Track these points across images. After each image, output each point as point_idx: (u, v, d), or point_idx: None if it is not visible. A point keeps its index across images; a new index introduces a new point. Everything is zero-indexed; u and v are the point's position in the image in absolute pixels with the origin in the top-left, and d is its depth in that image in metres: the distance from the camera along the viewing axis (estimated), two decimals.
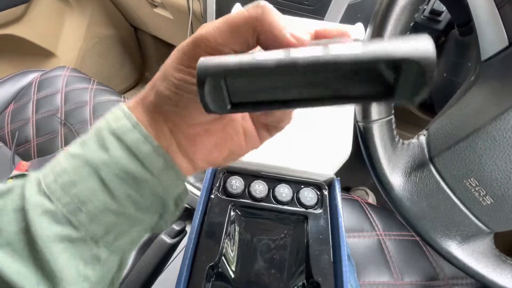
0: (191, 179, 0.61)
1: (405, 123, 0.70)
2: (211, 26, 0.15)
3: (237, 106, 0.13)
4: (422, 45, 0.10)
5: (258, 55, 0.12)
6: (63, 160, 0.17)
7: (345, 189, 1.03)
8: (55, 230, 0.16)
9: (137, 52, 1.31)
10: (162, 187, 0.18)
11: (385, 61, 0.11)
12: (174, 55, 0.17)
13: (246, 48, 0.16)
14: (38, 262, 0.16)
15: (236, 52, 0.16)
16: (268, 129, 0.22)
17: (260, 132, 0.22)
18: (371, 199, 0.98)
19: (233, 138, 0.20)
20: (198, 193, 0.54)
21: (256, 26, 0.14)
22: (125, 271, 0.44)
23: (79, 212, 0.17)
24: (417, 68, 0.11)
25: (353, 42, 0.11)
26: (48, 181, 0.17)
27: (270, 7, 0.14)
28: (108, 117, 0.18)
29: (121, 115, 0.18)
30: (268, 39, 0.15)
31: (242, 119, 0.21)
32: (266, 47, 0.15)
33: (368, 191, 0.99)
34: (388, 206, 0.52)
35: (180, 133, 0.18)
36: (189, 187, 0.56)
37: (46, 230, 0.16)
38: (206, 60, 0.12)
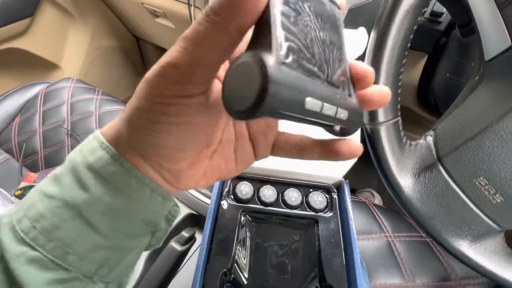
0: None
1: (409, 123, 0.70)
2: (175, 49, 0.13)
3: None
4: None
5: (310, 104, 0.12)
6: (38, 201, 0.16)
7: (351, 191, 1.02)
8: (45, 277, 0.15)
9: (139, 61, 1.32)
10: (151, 213, 0.18)
11: None
12: (140, 91, 0.15)
13: (230, 46, 0.13)
14: None
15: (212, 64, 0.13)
16: (274, 147, 0.20)
17: (260, 148, 0.20)
18: (377, 200, 0.98)
19: (221, 166, 0.19)
20: (205, 199, 0.54)
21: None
22: (136, 279, 0.44)
23: (67, 254, 0.15)
24: None
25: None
26: (24, 227, 0.15)
27: None
28: (83, 148, 0.16)
29: (97, 145, 0.16)
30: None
31: (236, 140, 0.19)
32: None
33: (374, 192, 0.99)
34: (395, 207, 0.51)
35: (163, 170, 0.17)
36: (196, 194, 0.56)
37: (35, 279, 0.15)
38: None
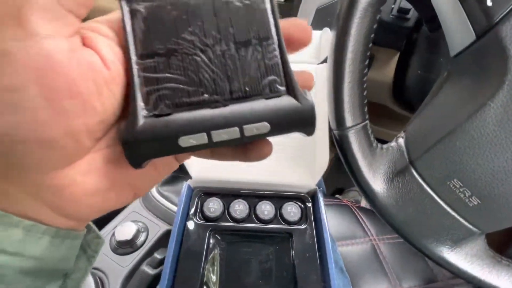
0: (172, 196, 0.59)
1: (388, 120, 0.69)
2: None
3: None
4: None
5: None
6: None
7: (338, 191, 1.02)
8: None
9: None
10: (35, 262, 0.13)
11: None
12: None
13: None
14: None
15: None
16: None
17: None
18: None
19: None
20: None
21: None
22: None
23: None
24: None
25: None
26: None
27: None
28: None
29: None
30: None
31: None
32: None
33: None
34: None
35: (41, 191, 0.12)
36: (175, 208, 0.53)
37: None
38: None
